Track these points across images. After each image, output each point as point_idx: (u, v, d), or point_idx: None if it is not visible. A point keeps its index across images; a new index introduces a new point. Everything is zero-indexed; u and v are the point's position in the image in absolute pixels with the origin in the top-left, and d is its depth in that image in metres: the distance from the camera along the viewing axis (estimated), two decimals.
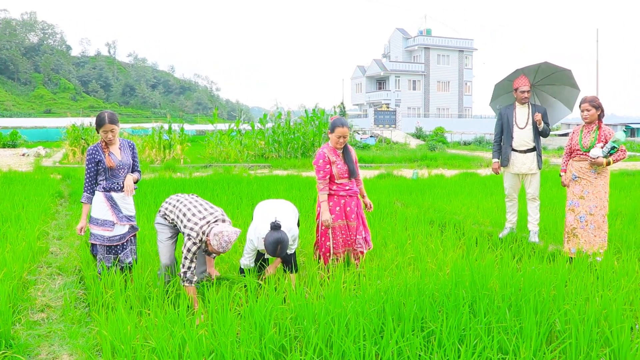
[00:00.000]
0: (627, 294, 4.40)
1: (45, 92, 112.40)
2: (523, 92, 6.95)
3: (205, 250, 4.73)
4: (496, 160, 7.31)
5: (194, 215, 4.64)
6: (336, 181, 5.62)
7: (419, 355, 3.21)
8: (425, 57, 68.82)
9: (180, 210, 4.77)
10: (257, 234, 4.84)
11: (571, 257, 5.95)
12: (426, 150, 31.39)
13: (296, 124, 25.74)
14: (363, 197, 5.97)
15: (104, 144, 5.05)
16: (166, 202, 5.03)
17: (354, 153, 5.84)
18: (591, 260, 5.66)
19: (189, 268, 4.53)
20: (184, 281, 4.54)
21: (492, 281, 4.40)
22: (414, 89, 68.83)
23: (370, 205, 5.98)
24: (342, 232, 5.60)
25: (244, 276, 4.86)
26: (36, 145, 32.35)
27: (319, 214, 5.61)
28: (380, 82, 71.40)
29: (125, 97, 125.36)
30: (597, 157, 6.01)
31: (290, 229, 4.92)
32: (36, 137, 42.76)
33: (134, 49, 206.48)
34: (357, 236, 5.70)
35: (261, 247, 4.84)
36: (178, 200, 4.92)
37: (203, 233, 4.53)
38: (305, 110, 26.44)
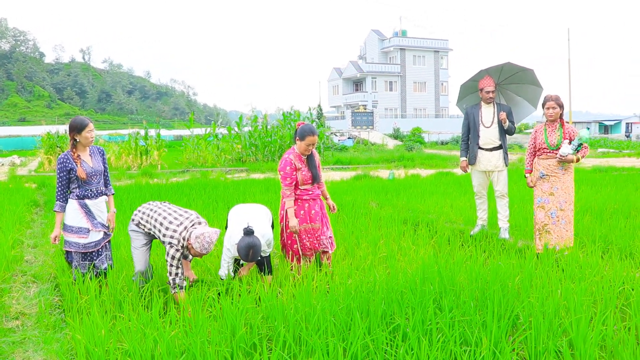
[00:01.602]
0: (590, 285, 4.56)
1: (19, 100, 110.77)
2: (488, 92, 7.14)
3: (184, 255, 4.80)
4: (464, 158, 7.48)
5: (170, 223, 4.71)
6: (300, 187, 5.66)
7: (385, 349, 3.32)
8: (401, 58, 69.29)
9: (155, 220, 4.82)
10: (232, 242, 4.91)
11: (538, 253, 6.11)
12: (403, 150, 31.68)
13: (273, 127, 25.81)
14: (326, 199, 6.00)
15: (74, 153, 5.07)
16: (139, 211, 5.07)
17: (317, 157, 5.85)
18: (557, 255, 5.82)
19: (176, 274, 4.60)
20: (174, 288, 4.60)
21: (460, 277, 4.52)
22: (391, 89, 69.26)
23: (333, 206, 5.98)
24: (308, 235, 5.66)
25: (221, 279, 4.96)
26: (11, 155, 32.01)
27: (282, 217, 5.68)
28: (357, 84, 71.71)
29: (101, 104, 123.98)
30: (567, 155, 6.20)
31: (264, 234, 4.99)
32: (11, 146, 42.22)
33: (109, 54, 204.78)
34: (322, 237, 5.73)
35: (236, 254, 4.91)
36: (151, 210, 4.96)
37: (183, 239, 4.61)
38: (283, 114, 26.51)
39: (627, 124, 61.67)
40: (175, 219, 4.74)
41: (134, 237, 5.05)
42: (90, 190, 5.14)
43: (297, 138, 5.56)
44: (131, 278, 5.04)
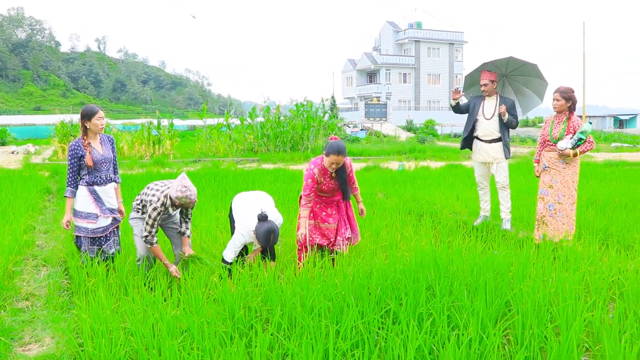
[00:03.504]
0: (584, 275, 4.65)
1: (35, 89, 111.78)
2: (480, 85, 7.36)
3: (167, 214, 5.03)
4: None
5: (154, 189, 5.05)
6: (318, 193, 5.59)
7: (377, 332, 3.45)
8: (416, 50, 69.05)
9: (145, 195, 5.11)
10: (247, 228, 5.02)
11: (537, 244, 6.18)
12: (415, 142, 31.66)
13: (285, 118, 25.91)
14: (358, 202, 5.89)
15: (85, 140, 5.23)
16: (135, 199, 5.30)
17: (349, 170, 5.61)
18: (556, 246, 5.90)
19: (149, 232, 4.90)
20: (147, 243, 4.93)
21: (455, 265, 4.63)
22: (405, 82, 69.09)
23: (362, 210, 5.88)
24: (318, 231, 5.64)
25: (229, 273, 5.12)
26: (25, 143, 32.37)
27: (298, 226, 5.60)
28: (371, 76, 71.59)
29: (116, 93, 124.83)
30: (565, 149, 6.22)
31: (276, 218, 5.11)
32: (25, 134, 42.70)
33: (124, 44, 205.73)
34: (338, 237, 5.64)
35: (251, 239, 5.05)
36: (143, 191, 5.22)
37: (165, 197, 4.89)
38: (296, 104, 26.59)
39: None
40: (160, 186, 5.06)
41: (134, 225, 5.23)
42: (100, 177, 5.30)
43: (325, 152, 5.35)
44: (136, 262, 5.21)
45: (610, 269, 4.85)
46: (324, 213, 5.66)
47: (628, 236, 6.46)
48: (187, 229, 5.24)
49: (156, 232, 4.95)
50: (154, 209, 4.88)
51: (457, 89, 7.53)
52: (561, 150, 6.23)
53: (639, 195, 9.68)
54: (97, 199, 5.29)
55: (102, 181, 5.32)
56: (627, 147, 30.71)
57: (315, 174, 5.41)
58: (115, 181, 5.51)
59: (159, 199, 4.89)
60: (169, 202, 4.90)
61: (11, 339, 3.83)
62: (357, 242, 5.90)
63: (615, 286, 4.58)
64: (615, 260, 5.13)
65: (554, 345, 3.17)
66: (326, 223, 5.66)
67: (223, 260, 5.10)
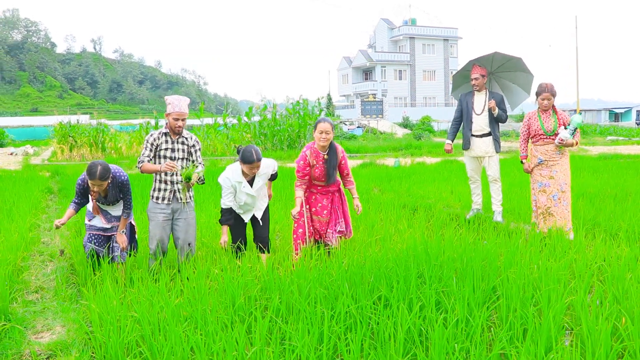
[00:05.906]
0: (570, 262, 4.86)
1: (31, 91, 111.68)
2: (471, 79, 7.57)
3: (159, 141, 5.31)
4: (449, 141, 7.93)
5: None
6: (313, 181, 5.73)
7: (369, 316, 3.66)
8: (411, 47, 69.19)
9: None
10: (228, 171, 5.43)
11: (536, 235, 6.37)
12: (412, 139, 31.91)
13: (282, 116, 26.12)
14: (353, 198, 5.96)
15: (93, 191, 5.16)
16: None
17: (340, 156, 5.77)
18: (545, 235, 6.11)
19: (142, 154, 5.25)
20: (139, 164, 5.26)
21: (446, 254, 4.84)
22: (400, 78, 69.23)
23: (357, 207, 5.90)
24: (313, 223, 5.77)
25: (225, 220, 5.43)
26: (24, 144, 32.52)
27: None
28: (367, 73, 71.74)
29: (112, 94, 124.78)
30: (567, 139, 6.51)
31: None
32: (23, 136, 42.81)
33: (119, 44, 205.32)
34: (328, 230, 5.75)
35: (238, 178, 5.36)
36: None
37: (154, 132, 5.35)
38: (292, 104, 26.81)
39: (638, 111, 61.30)
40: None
41: (151, 218, 5.33)
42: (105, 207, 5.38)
43: (314, 130, 5.62)
44: (141, 256, 5.40)
45: (596, 256, 5.07)
46: (319, 205, 5.76)
47: (614, 224, 6.67)
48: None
49: (147, 156, 5.24)
50: (151, 134, 5.32)
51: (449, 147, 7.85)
52: (563, 140, 6.50)
53: (629, 186, 9.89)
54: (102, 210, 5.38)
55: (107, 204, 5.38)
56: (623, 140, 30.98)
57: (307, 156, 5.63)
58: (123, 214, 5.39)
59: (151, 134, 5.31)
60: (159, 133, 5.33)
61: (25, 327, 4.04)
62: (350, 237, 6.05)
63: (599, 272, 4.80)
64: (600, 248, 5.34)
65: (535, 324, 3.38)
66: (319, 216, 5.76)
67: (222, 210, 5.44)
